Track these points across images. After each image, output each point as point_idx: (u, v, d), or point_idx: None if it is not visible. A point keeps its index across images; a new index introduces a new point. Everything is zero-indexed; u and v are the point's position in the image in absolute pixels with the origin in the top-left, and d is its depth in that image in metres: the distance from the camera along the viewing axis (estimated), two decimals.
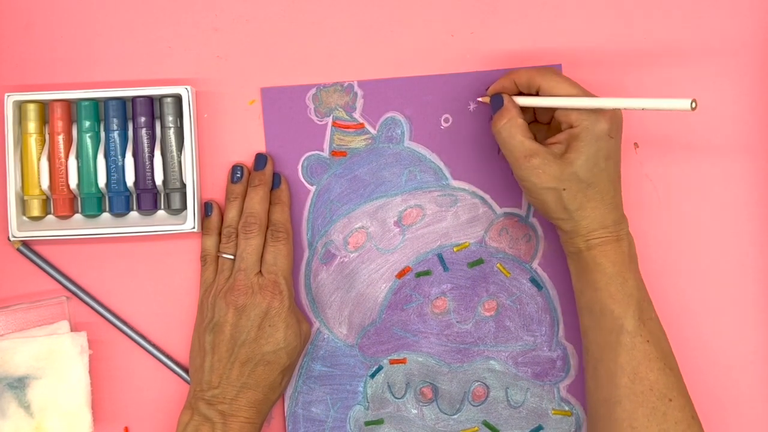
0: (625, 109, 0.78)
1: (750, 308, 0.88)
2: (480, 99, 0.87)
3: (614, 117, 0.80)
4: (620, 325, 0.79)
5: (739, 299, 0.88)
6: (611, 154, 0.80)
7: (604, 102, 0.78)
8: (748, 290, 0.88)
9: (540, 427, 0.87)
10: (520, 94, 0.83)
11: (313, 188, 0.88)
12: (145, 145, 0.86)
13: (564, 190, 0.79)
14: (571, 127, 0.80)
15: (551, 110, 0.83)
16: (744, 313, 0.88)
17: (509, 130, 0.80)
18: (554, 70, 0.82)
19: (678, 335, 0.87)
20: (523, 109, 0.83)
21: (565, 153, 0.79)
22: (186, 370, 0.87)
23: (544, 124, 0.85)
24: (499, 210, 0.88)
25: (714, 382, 0.88)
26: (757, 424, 0.88)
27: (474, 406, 0.87)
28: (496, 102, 0.82)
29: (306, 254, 0.88)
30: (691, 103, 0.74)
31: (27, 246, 0.86)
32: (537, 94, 0.82)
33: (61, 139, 0.86)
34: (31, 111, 0.85)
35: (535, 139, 0.81)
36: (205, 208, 0.87)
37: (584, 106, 0.79)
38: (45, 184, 0.85)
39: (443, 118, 0.88)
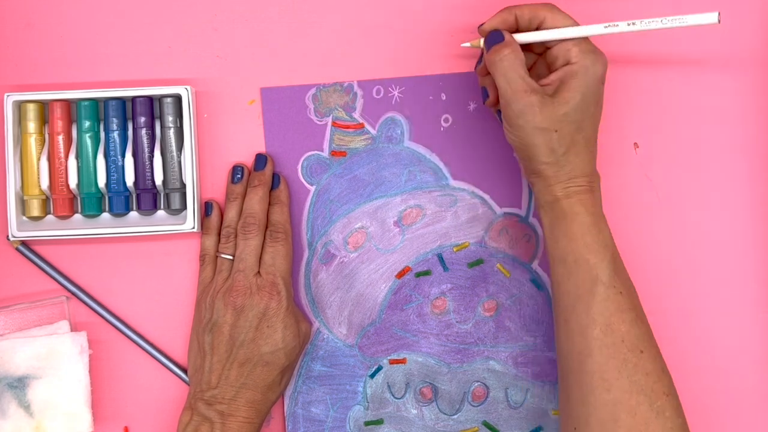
0: (647, 30, 0.74)
1: (750, 309, 0.88)
2: (466, 44, 0.84)
3: (607, 64, 0.79)
4: (595, 275, 0.77)
5: (739, 300, 0.88)
6: (599, 101, 0.79)
7: (623, 27, 0.75)
8: (748, 291, 0.88)
9: (540, 428, 0.87)
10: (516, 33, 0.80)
11: (312, 188, 0.88)
12: (145, 145, 0.86)
13: (556, 131, 0.77)
14: (568, 64, 0.78)
15: (543, 47, 0.80)
16: (744, 314, 0.88)
17: (512, 60, 0.77)
18: (555, 6, 0.79)
19: (677, 335, 0.87)
20: None
21: (558, 92, 0.77)
22: (185, 371, 0.87)
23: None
24: (498, 210, 0.88)
25: (712, 383, 0.87)
26: (756, 427, 0.88)
27: (474, 406, 0.87)
28: (495, 38, 0.79)
29: (306, 254, 0.88)
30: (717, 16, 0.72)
31: (26, 246, 0.86)
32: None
33: (60, 139, 0.86)
34: (31, 111, 0.85)
35: None
36: (206, 208, 0.87)
37: (597, 33, 0.76)
38: (45, 184, 0.85)
39: (443, 118, 0.88)
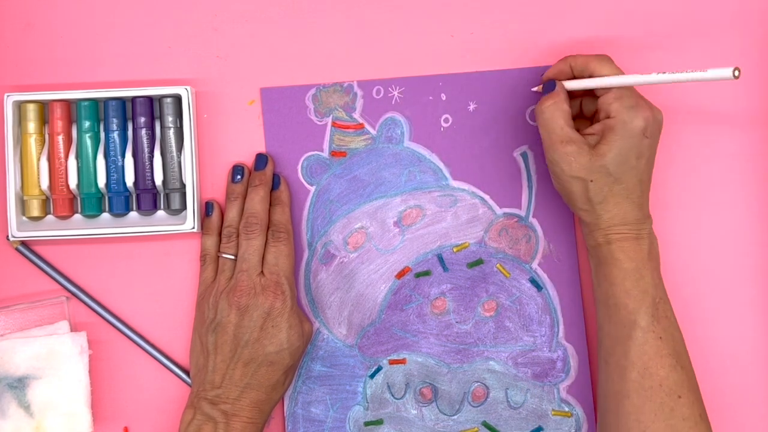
0: (667, 82, 0.77)
1: (749, 308, 0.88)
2: (534, 89, 0.87)
3: (652, 118, 0.80)
4: (633, 320, 0.79)
5: (739, 299, 0.88)
6: (643, 153, 0.80)
7: (645, 78, 0.78)
8: (748, 290, 0.88)
9: (540, 428, 0.87)
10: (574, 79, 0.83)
11: (312, 188, 0.88)
12: (145, 145, 0.86)
13: (591, 181, 0.79)
14: (608, 117, 0.80)
15: (596, 103, 0.83)
16: (743, 313, 0.88)
17: (552, 111, 0.80)
18: (609, 58, 0.82)
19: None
20: (571, 99, 0.83)
21: (597, 144, 0.80)
22: (185, 371, 0.87)
23: (587, 119, 0.85)
24: (498, 210, 0.88)
25: (711, 382, 0.87)
26: (756, 427, 0.88)
27: (474, 406, 0.87)
28: (548, 87, 0.82)
29: (306, 254, 0.88)
30: (734, 71, 0.73)
31: (26, 246, 0.86)
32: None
33: (60, 139, 0.86)
34: (31, 111, 0.85)
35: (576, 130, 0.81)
36: (206, 208, 0.87)
37: (624, 83, 0.79)
38: (45, 184, 0.85)
39: (443, 118, 0.88)
